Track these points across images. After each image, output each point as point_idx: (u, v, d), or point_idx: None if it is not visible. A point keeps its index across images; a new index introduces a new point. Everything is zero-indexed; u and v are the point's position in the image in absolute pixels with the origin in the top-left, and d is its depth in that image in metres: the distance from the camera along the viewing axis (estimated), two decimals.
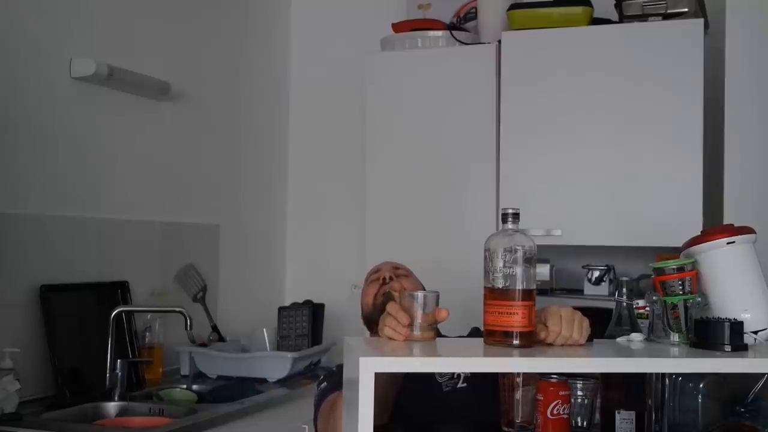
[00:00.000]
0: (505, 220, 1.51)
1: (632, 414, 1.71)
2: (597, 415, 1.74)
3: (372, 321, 2.04)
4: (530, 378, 1.62)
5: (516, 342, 1.45)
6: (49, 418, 2.31)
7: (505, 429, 1.67)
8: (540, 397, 1.58)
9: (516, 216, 1.51)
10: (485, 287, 1.50)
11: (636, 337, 1.62)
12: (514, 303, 1.46)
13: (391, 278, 2.11)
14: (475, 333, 2.07)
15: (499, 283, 1.47)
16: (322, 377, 2.05)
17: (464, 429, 1.83)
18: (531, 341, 1.47)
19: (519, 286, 1.46)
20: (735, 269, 1.59)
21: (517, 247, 1.47)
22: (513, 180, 3.09)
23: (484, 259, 1.50)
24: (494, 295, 1.48)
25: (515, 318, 1.45)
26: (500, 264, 1.47)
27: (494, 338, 1.47)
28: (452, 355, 1.51)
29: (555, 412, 1.57)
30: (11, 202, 2.49)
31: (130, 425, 2.43)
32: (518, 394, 1.66)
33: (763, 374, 1.60)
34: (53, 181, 2.64)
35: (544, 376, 1.58)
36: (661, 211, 2.90)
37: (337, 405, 1.76)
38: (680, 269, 1.56)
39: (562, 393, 1.57)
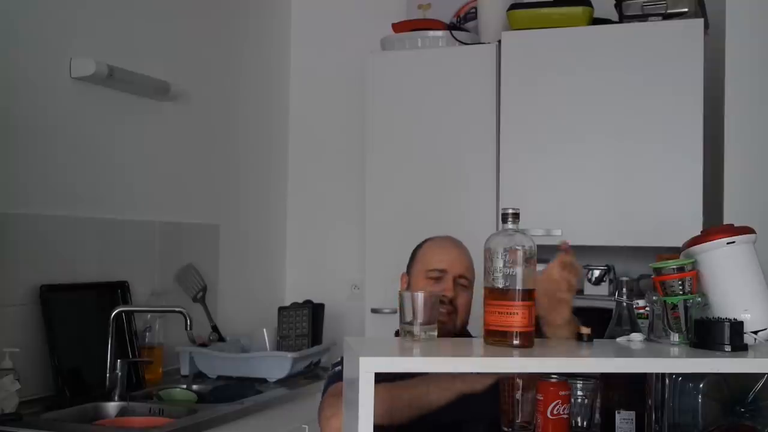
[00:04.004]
0: (505, 220, 1.51)
1: (632, 414, 1.71)
2: (597, 415, 1.74)
3: None
4: (530, 381, 1.62)
5: (516, 342, 1.45)
6: (49, 418, 2.31)
7: (505, 429, 1.66)
8: (540, 397, 1.58)
9: (516, 216, 1.51)
10: (485, 287, 1.50)
11: (636, 337, 1.62)
12: (514, 303, 1.46)
13: (450, 301, 1.97)
14: None
15: (499, 283, 1.47)
16: (340, 359, 2.02)
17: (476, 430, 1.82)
18: (531, 341, 1.47)
19: (519, 286, 1.46)
20: (735, 269, 1.59)
21: (517, 247, 1.47)
22: (513, 180, 3.09)
23: (484, 259, 1.50)
24: (494, 295, 1.48)
25: (515, 318, 1.45)
26: (500, 264, 1.47)
27: (494, 338, 1.47)
28: (452, 355, 1.51)
29: (555, 412, 1.57)
30: (11, 202, 2.49)
31: (130, 425, 2.43)
32: (518, 394, 1.66)
33: (763, 374, 1.60)
34: (53, 181, 2.64)
35: (544, 376, 1.58)
36: (661, 211, 2.90)
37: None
38: (680, 269, 1.56)
39: (562, 393, 1.57)
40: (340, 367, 1.91)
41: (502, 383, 1.67)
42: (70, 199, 2.71)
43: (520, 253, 1.47)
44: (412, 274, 2.07)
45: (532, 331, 1.48)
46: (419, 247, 2.11)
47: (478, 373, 1.67)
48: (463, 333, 2.03)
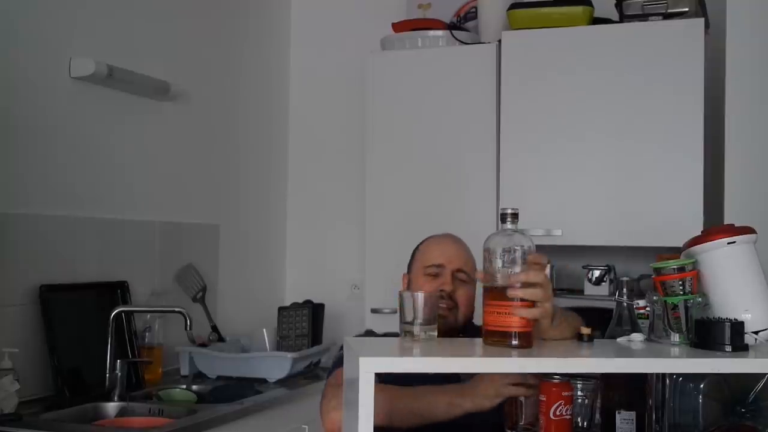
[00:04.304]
0: (504, 220, 1.50)
1: (633, 414, 1.71)
2: (597, 416, 1.74)
3: None
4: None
5: (515, 342, 1.44)
6: (48, 419, 2.31)
7: None
8: (543, 398, 1.58)
9: (515, 216, 1.50)
10: (484, 287, 1.49)
11: (636, 337, 1.61)
12: (513, 303, 1.45)
13: (449, 296, 1.96)
14: None
15: (498, 283, 1.46)
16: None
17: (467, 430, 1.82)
18: (530, 342, 1.47)
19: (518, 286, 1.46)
20: (736, 269, 1.59)
21: (516, 247, 1.47)
22: (513, 180, 3.09)
23: (483, 259, 1.50)
24: (493, 295, 1.47)
25: (514, 318, 1.45)
26: (499, 264, 1.46)
27: (493, 338, 1.46)
28: (452, 355, 1.51)
29: (558, 413, 1.56)
30: (11, 202, 2.48)
31: (130, 426, 2.43)
32: (522, 397, 1.65)
33: (764, 374, 1.60)
34: (53, 181, 2.64)
35: (547, 376, 1.58)
36: (662, 211, 2.89)
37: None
38: (681, 269, 1.56)
39: (565, 394, 1.57)
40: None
41: None
42: (70, 199, 2.70)
43: (519, 253, 1.46)
44: (411, 273, 2.08)
45: (530, 332, 1.47)
46: (418, 246, 2.12)
47: (486, 393, 1.67)
48: (467, 327, 2.02)
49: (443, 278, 2.00)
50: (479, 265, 1.52)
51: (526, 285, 1.45)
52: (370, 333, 2.19)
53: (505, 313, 1.45)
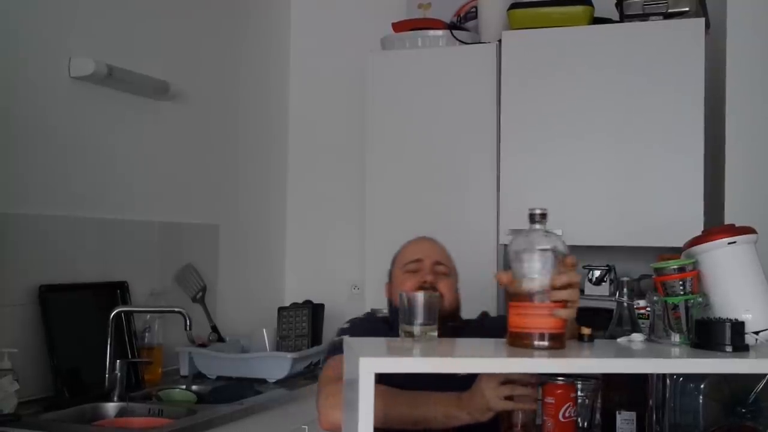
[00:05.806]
0: (533, 221, 1.47)
1: (633, 414, 1.71)
2: (597, 416, 1.73)
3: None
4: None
5: (546, 344, 1.39)
6: (47, 419, 2.31)
7: None
8: (550, 400, 1.56)
9: (543, 216, 1.47)
10: (512, 288, 1.46)
11: (637, 337, 1.61)
12: (549, 304, 1.39)
13: (432, 286, 1.97)
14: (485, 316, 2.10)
15: (526, 285, 1.43)
16: (347, 324, 2.03)
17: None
18: (563, 342, 1.41)
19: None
20: (736, 269, 1.58)
21: (546, 248, 1.44)
22: (513, 179, 3.08)
23: (510, 260, 1.46)
24: (523, 296, 1.42)
25: (548, 320, 1.39)
26: (526, 265, 1.43)
27: (522, 340, 1.40)
28: (452, 355, 1.50)
29: (567, 414, 1.56)
30: (11, 202, 2.48)
31: (130, 426, 2.42)
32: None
33: (764, 375, 1.60)
34: (53, 181, 2.64)
35: (551, 378, 1.57)
36: (663, 211, 2.89)
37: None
38: (681, 269, 1.55)
39: (572, 395, 1.56)
40: (343, 337, 1.86)
41: None
42: (70, 199, 2.70)
43: (551, 254, 1.44)
44: (392, 276, 2.11)
45: (564, 333, 1.41)
46: (396, 253, 2.15)
47: (481, 407, 1.66)
48: (456, 316, 2.04)
49: (423, 271, 2.02)
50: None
51: (566, 286, 1.41)
52: (371, 314, 2.19)
53: (536, 315, 1.39)
